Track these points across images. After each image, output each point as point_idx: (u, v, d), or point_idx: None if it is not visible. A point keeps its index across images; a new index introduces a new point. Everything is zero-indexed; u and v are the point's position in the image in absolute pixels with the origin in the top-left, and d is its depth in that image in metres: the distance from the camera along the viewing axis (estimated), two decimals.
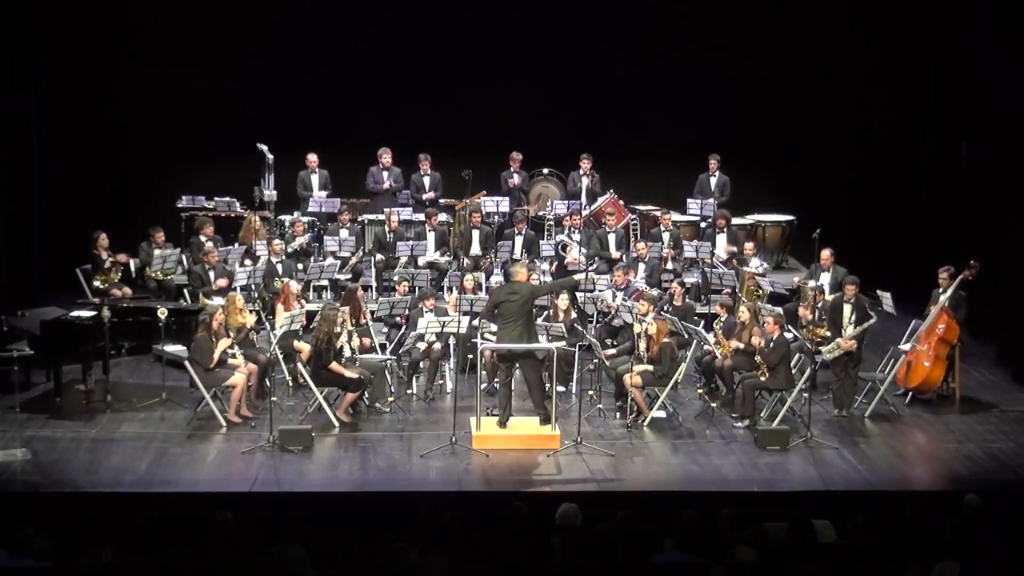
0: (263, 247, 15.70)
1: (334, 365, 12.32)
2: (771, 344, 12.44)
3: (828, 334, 12.90)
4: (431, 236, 16.34)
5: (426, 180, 17.16)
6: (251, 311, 13.53)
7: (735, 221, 17.16)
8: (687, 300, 14.48)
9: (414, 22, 18.18)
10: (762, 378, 12.44)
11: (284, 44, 18.19)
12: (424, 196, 17.09)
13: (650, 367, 12.49)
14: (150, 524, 8.02)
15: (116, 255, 15.20)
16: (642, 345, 12.56)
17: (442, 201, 17.24)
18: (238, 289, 14.49)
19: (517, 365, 12.17)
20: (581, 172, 17.33)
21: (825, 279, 14.48)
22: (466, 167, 14.33)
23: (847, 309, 12.97)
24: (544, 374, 13.08)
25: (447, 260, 16.29)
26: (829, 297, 13.83)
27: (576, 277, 13.57)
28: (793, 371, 12.72)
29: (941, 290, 13.25)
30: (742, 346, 12.91)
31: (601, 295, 14.49)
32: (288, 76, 18.27)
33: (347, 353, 12.63)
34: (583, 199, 16.96)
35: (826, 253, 14.69)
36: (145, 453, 11.59)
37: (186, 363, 12.62)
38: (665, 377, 12.46)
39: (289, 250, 15.87)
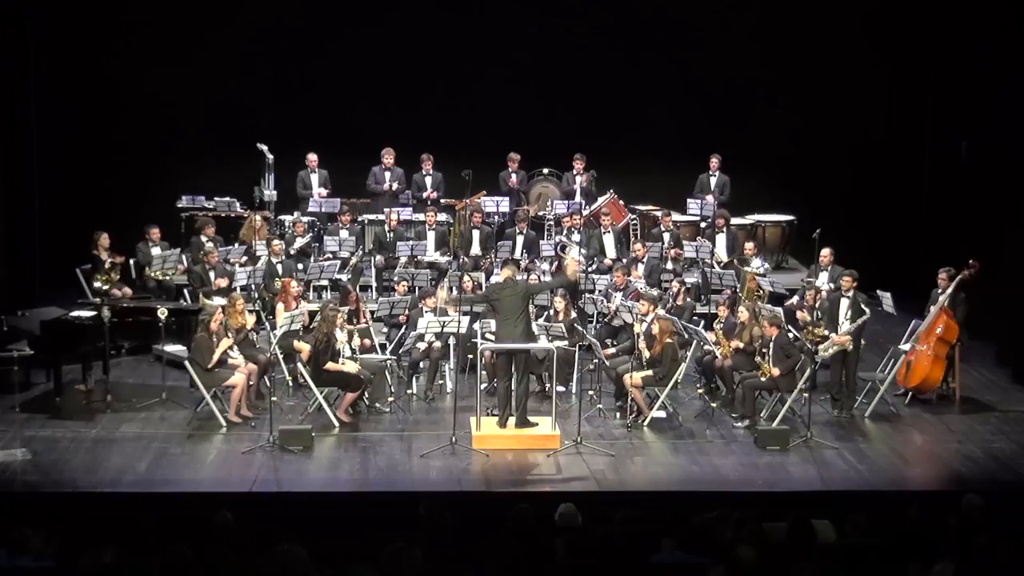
0: (263, 247, 15.70)
1: (330, 364, 12.32)
2: (772, 345, 12.40)
3: (826, 333, 12.90)
4: (431, 236, 16.34)
5: (428, 180, 17.17)
6: (251, 311, 13.54)
7: (735, 221, 17.17)
8: (687, 299, 14.49)
9: (414, 22, 18.18)
10: (762, 378, 12.44)
11: (284, 44, 18.20)
12: (425, 196, 17.09)
13: (650, 372, 12.48)
14: (150, 524, 8.01)
15: (115, 255, 15.21)
16: (642, 345, 12.55)
17: (442, 201, 17.25)
18: (238, 289, 14.50)
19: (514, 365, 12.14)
20: (575, 172, 17.34)
21: (824, 278, 14.50)
22: (466, 167, 14.35)
23: (843, 303, 12.98)
24: (544, 374, 13.12)
25: (447, 260, 16.29)
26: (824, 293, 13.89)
27: (571, 276, 13.14)
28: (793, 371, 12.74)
29: (940, 291, 13.26)
30: (742, 346, 12.91)
31: (603, 298, 14.52)
32: (288, 76, 18.26)
33: (347, 352, 12.63)
34: (579, 199, 16.96)
35: (825, 251, 14.72)
36: (145, 453, 11.58)
37: (186, 363, 12.62)
38: (666, 377, 12.45)
39: (292, 251, 15.88)
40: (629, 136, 18.21)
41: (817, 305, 13.58)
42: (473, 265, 15.83)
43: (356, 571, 6.86)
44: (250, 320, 13.20)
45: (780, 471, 11.46)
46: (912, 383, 13.22)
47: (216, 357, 12.31)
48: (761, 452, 11.84)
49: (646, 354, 12.53)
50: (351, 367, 12.50)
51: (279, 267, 15.28)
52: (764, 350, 12.51)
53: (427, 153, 17.16)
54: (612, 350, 13.38)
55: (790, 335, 12.63)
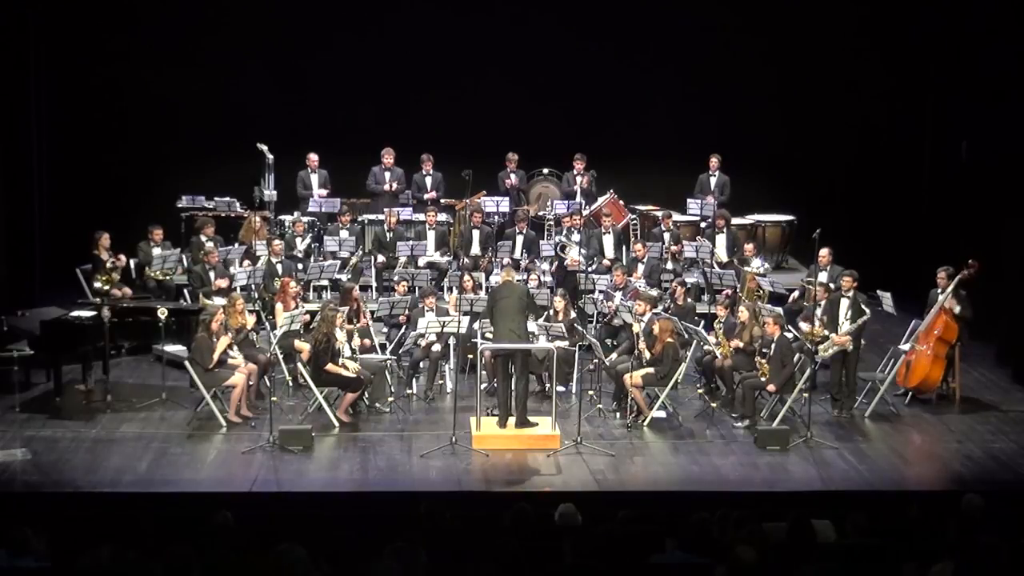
0: (263, 247, 15.71)
1: (330, 366, 12.32)
2: (772, 346, 12.40)
3: (826, 333, 12.89)
4: (431, 235, 16.34)
5: (428, 180, 17.17)
6: (251, 311, 13.53)
7: (735, 221, 17.16)
8: (688, 300, 14.48)
9: (414, 22, 18.19)
10: (762, 378, 12.44)
11: (284, 44, 18.21)
12: (426, 196, 17.08)
13: (651, 369, 12.48)
14: (150, 524, 8.01)
15: (116, 256, 15.22)
16: (642, 344, 12.54)
17: (442, 201, 17.25)
18: (238, 289, 14.50)
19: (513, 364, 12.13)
20: (575, 172, 17.33)
21: (823, 278, 14.48)
22: (466, 167, 14.33)
23: (843, 304, 12.97)
24: (544, 374, 13.12)
25: (447, 260, 16.29)
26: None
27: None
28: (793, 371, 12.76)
29: (939, 290, 13.26)
30: (742, 345, 12.91)
31: (603, 298, 14.52)
32: (288, 76, 18.27)
33: (347, 352, 12.63)
34: (579, 199, 16.96)
35: (824, 252, 14.69)
36: (145, 453, 11.59)
37: (186, 363, 12.62)
38: (666, 377, 12.45)
39: (298, 255, 15.84)
40: (629, 136, 18.21)
41: (820, 304, 13.54)
42: (473, 265, 15.83)
43: (373, 570, 6.83)
44: (250, 320, 13.20)
45: (780, 471, 11.46)
46: (912, 383, 13.21)
47: (216, 357, 12.30)
48: (761, 452, 11.84)
49: (647, 355, 12.52)
50: (351, 367, 12.51)
51: (279, 267, 15.28)
52: (765, 350, 12.51)
53: (427, 153, 17.16)
54: (614, 355, 13.30)
55: (790, 335, 12.63)
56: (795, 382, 12.41)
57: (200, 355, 12.31)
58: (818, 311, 13.36)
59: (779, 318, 12.66)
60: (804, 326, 13.26)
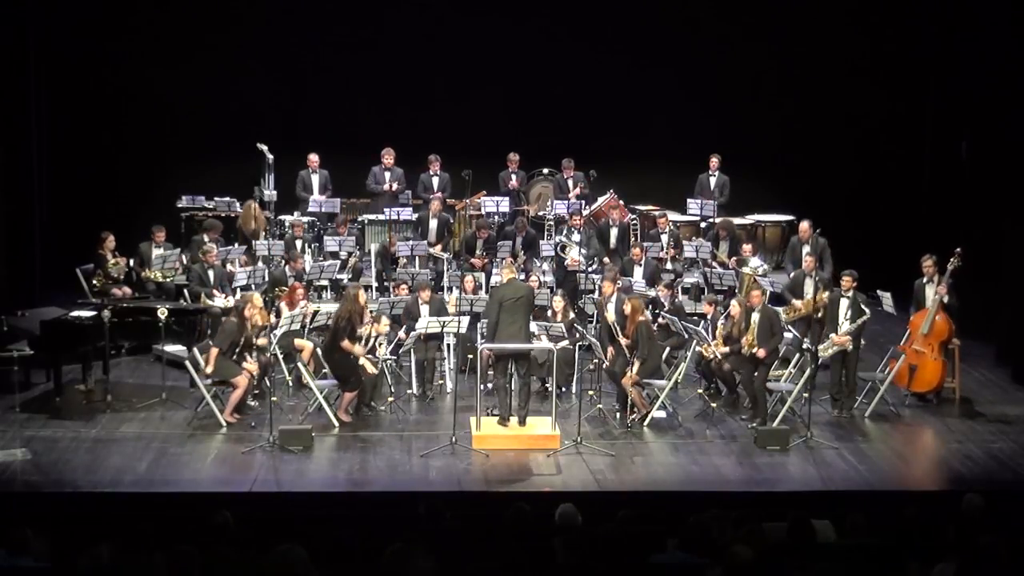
0: (263, 247, 15.70)
1: (346, 342, 12.27)
2: (759, 318, 12.41)
3: (799, 305, 12.88)
4: (433, 223, 16.25)
5: (435, 180, 17.16)
6: None
7: (735, 221, 17.12)
8: (676, 300, 14.47)
9: (414, 22, 18.19)
10: (744, 350, 12.39)
11: (284, 44, 18.21)
12: (432, 196, 17.06)
13: (639, 363, 12.40)
14: (150, 524, 8.01)
15: (119, 257, 15.23)
16: (622, 339, 12.48)
17: (447, 202, 17.24)
18: (238, 291, 14.49)
19: (513, 364, 12.12)
20: (566, 177, 17.31)
21: (807, 251, 14.45)
22: (466, 167, 14.36)
23: (843, 304, 12.96)
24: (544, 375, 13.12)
25: (447, 257, 16.25)
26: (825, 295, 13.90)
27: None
28: (793, 370, 12.72)
29: (925, 279, 13.24)
30: (728, 350, 12.85)
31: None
32: (288, 76, 18.28)
33: (361, 350, 12.55)
34: (573, 200, 16.93)
35: (804, 225, 14.65)
36: (145, 453, 11.58)
37: (186, 363, 12.61)
38: (648, 360, 12.36)
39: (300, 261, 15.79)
40: (629, 136, 18.21)
41: (792, 276, 13.63)
42: (472, 265, 15.82)
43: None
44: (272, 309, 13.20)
45: (780, 471, 11.46)
46: (924, 388, 13.16)
47: (211, 368, 12.26)
48: (761, 452, 11.84)
49: (623, 340, 12.47)
50: (369, 368, 12.48)
51: (291, 279, 15.14)
52: (753, 316, 12.49)
53: (435, 154, 17.15)
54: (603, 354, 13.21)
55: (789, 335, 12.61)
56: (776, 356, 12.45)
57: (221, 338, 12.23)
58: (808, 282, 13.30)
59: (759, 286, 12.66)
60: (796, 302, 13.33)
